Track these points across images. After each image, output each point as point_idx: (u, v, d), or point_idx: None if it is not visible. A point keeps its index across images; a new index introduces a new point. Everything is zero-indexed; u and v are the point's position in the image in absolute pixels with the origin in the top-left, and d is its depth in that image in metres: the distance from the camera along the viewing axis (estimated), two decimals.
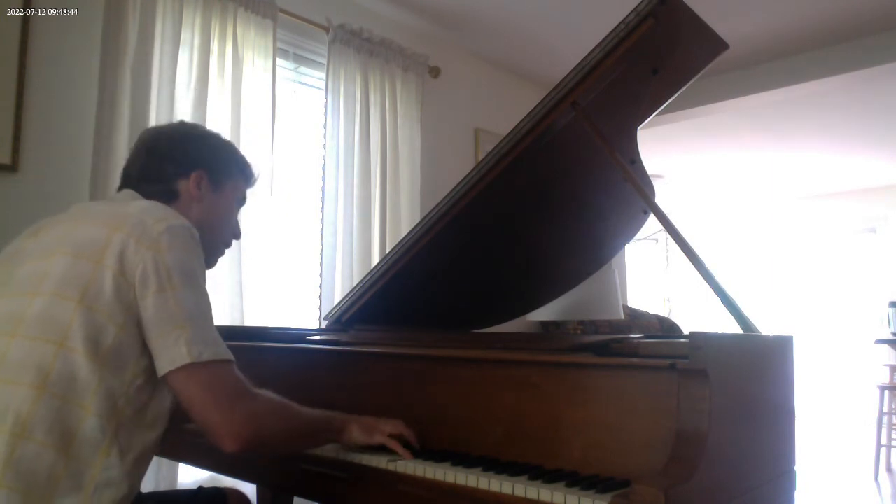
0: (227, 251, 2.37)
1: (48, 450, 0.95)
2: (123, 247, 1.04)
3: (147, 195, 1.23)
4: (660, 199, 1.66)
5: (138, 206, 1.12)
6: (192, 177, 1.28)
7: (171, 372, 1.02)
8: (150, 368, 1.06)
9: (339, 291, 2.79)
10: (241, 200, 1.42)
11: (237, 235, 1.43)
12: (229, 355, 1.08)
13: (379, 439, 1.24)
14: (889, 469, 4.56)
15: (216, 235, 1.34)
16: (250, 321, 2.46)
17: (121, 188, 1.28)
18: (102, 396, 0.99)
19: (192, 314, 1.05)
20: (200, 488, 1.42)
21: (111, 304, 1.01)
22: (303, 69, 3.00)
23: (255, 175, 1.45)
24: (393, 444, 1.23)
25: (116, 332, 1.01)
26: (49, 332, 0.99)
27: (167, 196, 1.24)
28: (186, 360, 1.02)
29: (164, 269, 1.04)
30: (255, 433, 1.06)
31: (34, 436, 0.94)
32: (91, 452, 0.98)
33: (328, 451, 1.27)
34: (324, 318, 2.22)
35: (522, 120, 1.48)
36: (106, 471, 0.99)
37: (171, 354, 1.02)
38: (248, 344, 1.71)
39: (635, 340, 1.14)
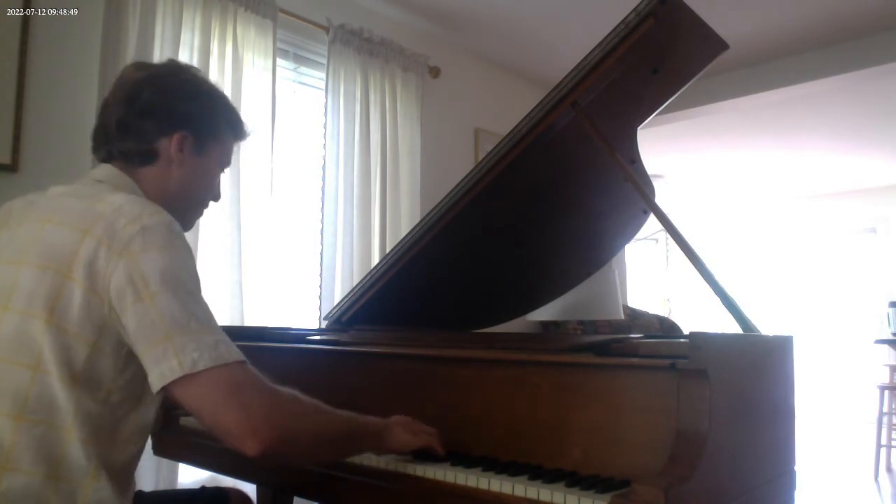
0: (226, 251, 2.35)
1: (36, 478, 0.91)
2: (93, 257, 0.95)
3: (123, 152, 1.12)
4: (660, 199, 1.66)
5: (113, 203, 1.00)
6: (175, 137, 1.14)
7: (166, 387, 0.93)
8: (131, 385, 1.00)
9: (339, 291, 2.79)
10: (227, 162, 1.28)
11: (216, 198, 1.29)
12: (235, 356, 0.97)
13: (426, 439, 1.17)
14: (889, 469, 4.56)
15: (194, 200, 1.23)
16: (250, 321, 2.46)
17: (96, 145, 1.16)
18: (82, 421, 0.94)
19: (179, 320, 0.94)
20: (203, 488, 1.42)
21: (80, 323, 0.94)
22: (303, 69, 3.00)
23: (247, 132, 1.30)
24: (435, 444, 1.18)
25: (88, 353, 0.95)
26: (22, 355, 0.94)
27: (143, 157, 1.13)
28: (178, 373, 0.92)
29: (140, 277, 0.94)
30: (279, 432, 0.95)
31: (21, 466, 0.91)
32: (80, 476, 0.94)
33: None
34: (324, 318, 2.22)
35: (522, 120, 1.48)
36: (97, 492, 0.95)
37: (160, 369, 0.92)
38: (248, 344, 1.71)
39: (635, 340, 1.14)
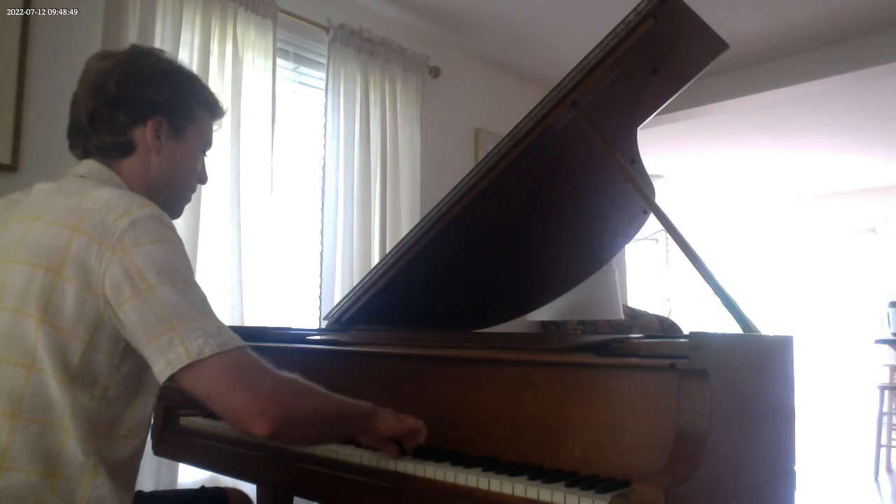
0: (226, 251, 2.35)
1: (33, 476, 0.91)
2: (85, 254, 0.95)
3: (99, 147, 1.11)
4: (660, 199, 1.66)
5: (99, 199, 1.00)
6: (149, 125, 1.12)
7: (174, 375, 0.94)
8: (128, 380, 1.01)
9: (339, 291, 2.79)
10: (208, 144, 1.25)
11: (203, 181, 1.27)
12: (237, 342, 0.99)
13: (409, 423, 1.20)
14: (889, 469, 4.56)
15: (179, 186, 1.20)
16: (250, 321, 2.46)
17: (72, 142, 1.16)
18: (79, 418, 0.95)
19: (180, 310, 0.95)
20: (202, 488, 1.42)
21: (74, 321, 0.94)
22: (303, 69, 3.00)
23: (224, 110, 1.28)
24: (420, 428, 1.20)
25: (83, 350, 0.95)
26: (16, 353, 0.94)
27: (121, 149, 1.11)
28: (186, 361, 0.93)
29: (135, 271, 0.94)
30: (285, 410, 0.97)
31: (17, 465, 0.91)
32: (78, 473, 0.94)
33: (327, 450, 1.27)
34: (324, 318, 2.22)
35: (522, 120, 1.48)
36: (95, 489, 0.95)
37: (167, 358, 0.93)
38: (248, 344, 1.70)
39: (635, 340, 1.14)
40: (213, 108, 1.24)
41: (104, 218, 0.97)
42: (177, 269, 0.98)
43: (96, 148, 1.12)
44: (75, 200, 1.01)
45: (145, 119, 1.12)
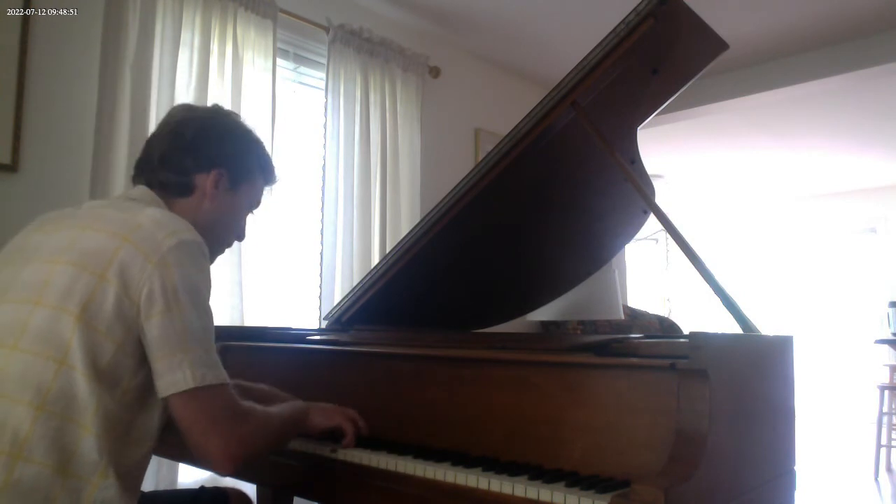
0: (226, 251, 2.36)
1: (47, 470, 0.94)
2: (130, 263, 1.01)
3: (162, 183, 1.21)
4: (660, 199, 1.66)
5: (151, 216, 1.09)
6: (212, 174, 1.23)
7: (173, 395, 1.01)
8: (142, 386, 1.04)
9: (339, 291, 2.79)
10: (256, 203, 1.37)
11: (241, 238, 1.38)
12: (226, 378, 1.07)
13: (338, 419, 1.30)
14: (889, 469, 4.56)
15: (220, 236, 1.31)
16: (250, 321, 2.46)
17: (138, 173, 1.24)
18: (101, 416, 0.98)
19: (197, 336, 1.03)
20: (202, 488, 1.42)
21: (111, 322, 0.99)
22: (303, 69, 3.00)
23: (277, 178, 1.39)
24: (348, 426, 1.29)
25: (114, 351, 1.00)
26: (50, 348, 0.97)
27: (181, 189, 1.22)
28: (191, 385, 1.00)
29: (171, 289, 1.02)
30: (248, 454, 1.07)
31: (33, 456, 0.93)
32: (89, 472, 0.97)
33: (328, 451, 1.27)
34: (324, 318, 2.22)
35: (522, 120, 1.48)
36: (103, 490, 0.98)
37: (174, 377, 1.00)
38: (248, 344, 1.71)
39: (635, 340, 1.14)
40: (268, 173, 1.36)
41: (154, 234, 1.05)
42: (205, 298, 1.08)
43: (160, 183, 1.22)
44: (128, 215, 1.09)
45: (210, 168, 1.23)
